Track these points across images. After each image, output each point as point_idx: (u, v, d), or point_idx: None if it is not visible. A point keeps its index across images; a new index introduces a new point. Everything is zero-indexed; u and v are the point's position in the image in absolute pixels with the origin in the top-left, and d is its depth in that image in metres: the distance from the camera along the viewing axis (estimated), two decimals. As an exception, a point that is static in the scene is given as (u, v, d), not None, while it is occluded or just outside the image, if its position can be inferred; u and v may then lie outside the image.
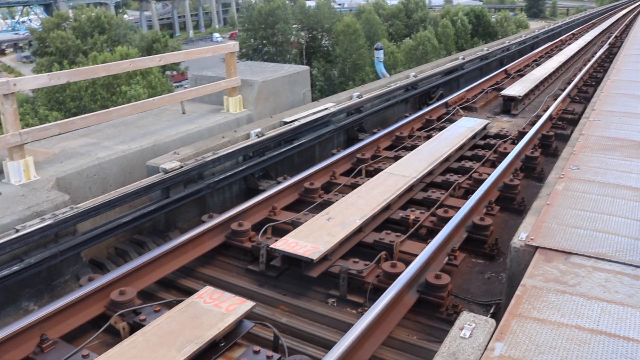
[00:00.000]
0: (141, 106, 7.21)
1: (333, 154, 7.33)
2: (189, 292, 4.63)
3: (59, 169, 5.88)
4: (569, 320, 3.22)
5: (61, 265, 4.97)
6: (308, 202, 6.09)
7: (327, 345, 3.96)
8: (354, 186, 6.34)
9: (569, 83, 11.85)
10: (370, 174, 6.82)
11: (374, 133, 8.27)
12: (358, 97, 8.99)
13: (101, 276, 4.42)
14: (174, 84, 51.70)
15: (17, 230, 4.58)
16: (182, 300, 4.01)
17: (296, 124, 7.43)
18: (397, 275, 4.31)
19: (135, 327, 3.96)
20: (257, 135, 6.91)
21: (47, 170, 5.83)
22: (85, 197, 5.79)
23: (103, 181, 6.13)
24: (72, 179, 5.86)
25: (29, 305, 4.75)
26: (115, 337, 4.08)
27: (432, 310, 4.31)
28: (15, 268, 4.48)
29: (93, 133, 7.17)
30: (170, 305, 4.17)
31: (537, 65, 14.42)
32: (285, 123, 7.51)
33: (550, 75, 12.94)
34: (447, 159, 7.16)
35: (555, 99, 10.19)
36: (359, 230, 5.20)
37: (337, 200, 5.86)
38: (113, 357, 3.41)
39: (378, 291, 4.33)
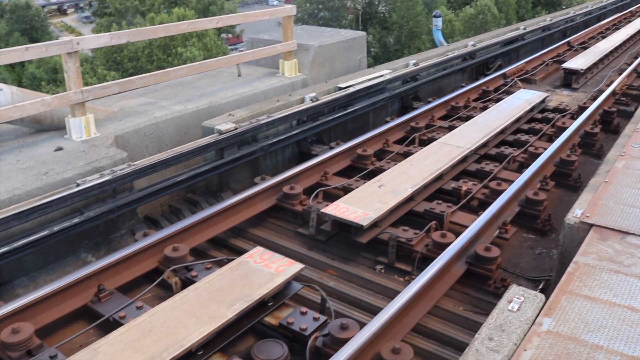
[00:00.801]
0: (198, 67, 7.28)
1: (387, 122, 7.28)
2: (240, 252, 4.73)
3: (117, 126, 6.02)
4: (621, 300, 3.16)
5: (118, 220, 5.13)
6: (360, 168, 6.09)
7: (373, 311, 3.99)
8: (406, 154, 6.30)
9: (636, 57, 11.38)
10: (424, 143, 6.76)
11: (429, 102, 8.17)
12: (414, 65, 8.87)
13: (155, 232, 4.55)
14: (229, 47, 51.94)
15: (78, 185, 4.74)
16: (232, 259, 4.09)
17: (351, 90, 7.39)
18: (446, 245, 4.29)
19: (186, 283, 4.08)
20: (311, 99, 6.91)
21: (106, 128, 5.98)
22: (142, 155, 5.93)
23: (159, 140, 6.25)
24: (130, 137, 6.00)
25: (87, 257, 4.94)
26: (167, 291, 4.21)
27: (480, 282, 4.28)
28: (75, 220, 4.65)
29: (151, 93, 7.31)
30: (221, 263, 4.27)
31: (603, 37, 13.86)
32: (340, 89, 7.48)
33: (616, 49, 12.43)
34: (502, 132, 7.02)
35: (620, 74, 9.80)
36: (410, 198, 5.18)
37: (389, 167, 5.84)
38: (166, 309, 3.52)
39: (426, 260, 4.33)
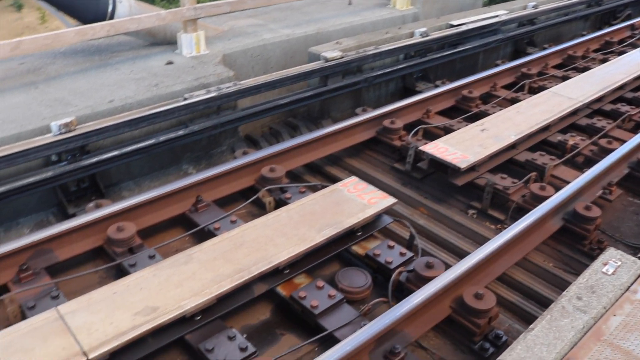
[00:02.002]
0: (310, -8, 7.22)
1: (497, 65, 6.99)
2: (334, 180, 4.79)
3: (226, 45, 6.12)
4: None
5: (220, 136, 5.29)
6: (463, 110, 5.93)
7: (460, 254, 3.98)
8: (514, 101, 6.07)
9: None
10: (534, 90, 6.46)
11: (544, 48, 7.74)
12: (533, 7, 8.38)
13: (255, 152, 4.67)
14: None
15: (185, 99, 4.90)
16: (326, 186, 4.15)
17: (463, 28, 7.12)
18: (544, 198, 4.16)
19: (280, 204, 4.20)
20: (421, 35, 6.73)
21: (215, 46, 6.10)
22: (248, 75, 6.03)
23: (265, 62, 6.32)
24: (238, 56, 6.09)
25: (188, 169, 5.16)
26: (260, 209, 4.35)
27: (574, 241, 4.13)
28: (180, 133, 4.83)
29: (260, 15, 7.34)
30: (315, 188, 4.35)
31: None
32: (452, 26, 7.23)
33: None
34: (621, 87, 6.58)
35: None
36: (512, 146, 5.02)
37: (494, 112, 5.66)
38: (258, 226, 3.65)
39: (521, 211, 4.22)
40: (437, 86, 6.24)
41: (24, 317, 3.28)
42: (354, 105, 6.14)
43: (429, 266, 3.44)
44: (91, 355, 2.73)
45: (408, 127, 5.31)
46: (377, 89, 6.48)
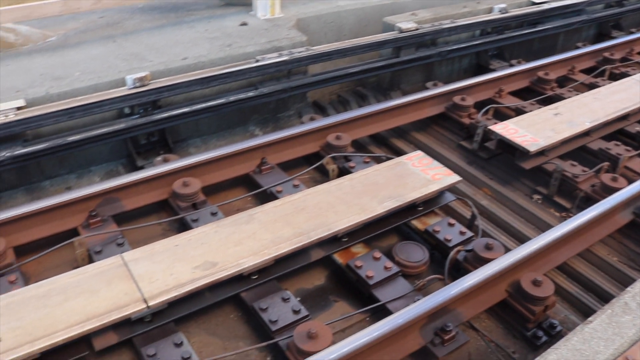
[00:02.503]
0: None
1: (577, 47, 6.73)
2: (399, 153, 4.76)
3: (300, 10, 6.10)
4: None
5: (288, 100, 5.32)
6: (538, 92, 5.75)
7: (521, 239, 3.90)
8: (592, 86, 5.84)
9: None
10: (615, 77, 6.19)
11: (631, 33, 7.39)
12: (623, -11, 8.00)
13: (322, 118, 4.68)
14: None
15: (257, 61, 4.92)
16: (391, 158, 4.13)
17: (545, 6, 6.86)
18: (615, 190, 4.01)
19: (343, 172, 4.20)
20: (500, 11, 6.52)
21: (289, 10, 6.08)
22: (320, 41, 5.99)
23: (339, 29, 6.27)
24: (311, 22, 6.06)
25: (255, 130, 5.21)
26: (323, 176, 4.38)
27: (643, 236, 4.00)
28: (250, 94, 4.88)
29: (338, -20, 7.26)
30: (379, 160, 4.33)
31: None
32: (534, 3, 6.97)
33: None
34: None
35: None
36: (586, 133, 4.84)
37: (569, 97, 5.47)
38: (320, 192, 3.67)
39: (589, 201, 4.09)
40: (512, 65, 6.06)
41: (91, 260, 3.43)
42: (424, 79, 6.04)
43: (488, 248, 3.39)
44: (151, 303, 2.83)
45: (478, 106, 5.19)
46: (449, 64, 6.36)
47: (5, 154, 3.96)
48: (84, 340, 2.84)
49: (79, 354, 2.81)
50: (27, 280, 3.42)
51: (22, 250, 3.55)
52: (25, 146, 4.05)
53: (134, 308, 2.81)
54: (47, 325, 2.72)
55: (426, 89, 5.26)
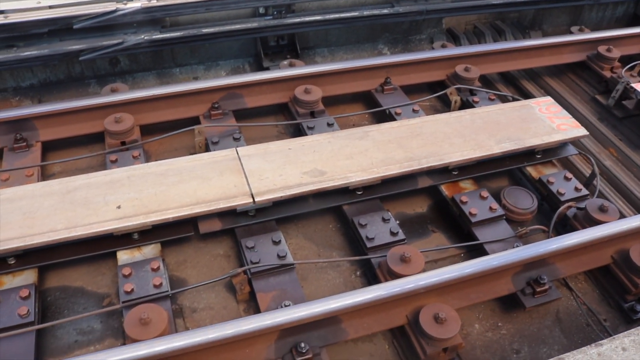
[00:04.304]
0: None
1: None
2: (526, 95, 4.56)
3: None
4: None
5: (422, 23, 5.16)
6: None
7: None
8: None
9: None
10: None
11: None
12: None
13: (453, 47, 4.53)
14: None
15: (398, -24, 4.79)
16: (518, 100, 3.97)
17: None
18: None
19: (465, 105, 4.10)
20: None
21: None
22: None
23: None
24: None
25: (384, 49, 5.14)
26: (444, 106, 4.30)
27: None
28: (385, 11, 4.77)
29: None
30: (504, 99, 4.18)
31: None
32: None
33: None
34: None
35: None
36: None
37: None
38: (438, 121, 3.60)
39: None
40: (672, 21, 5.55)
41: (207, 149, 3.60)
42: (570, 23, 5.66)
43: (602, 209, 3.24)
44: (257, 199, 2.96)
45: (625, 60, 4.81)
46: (601, 10, 5.89)
47: (144, 37, 4.16)
48: (191, 222, 3.03)
49: (184, 233, 3.01)
50: (148, 158, 3.66)
51: (146, 130, 3.77)
52: (163, 32, 4.23)
53: (241, 201, 2.95)
54: (161, 202, 2.92)
55: (570, 33, 4.94)
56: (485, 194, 3.33)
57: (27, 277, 2.82)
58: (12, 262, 2.81)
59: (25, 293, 2.68)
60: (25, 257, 2.84)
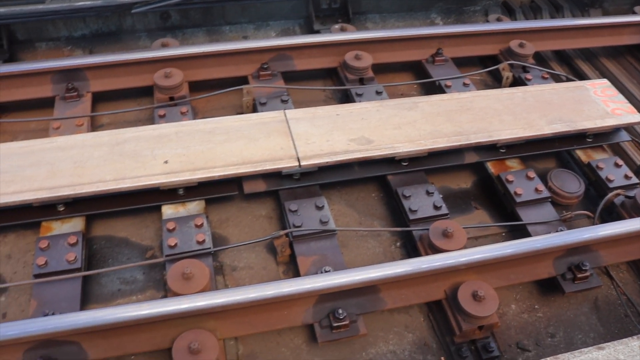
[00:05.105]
0: None
1: None
2: (581, 77, 4.43)
3: None
4: None
5: (477, -6, 5.04)
6: None
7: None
8: None
9: None
10: None
11: None
12: None
13: (508, 21, 4.43)
14: None
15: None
16: (573, 80, 3.87)
17: None
18: None
19: (517, 82, 4.00)
20: None
21: None
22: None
23: None
24: None
25: (436, 19, 5.03)
26: (495, 82, 4.22)
27: None
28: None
29: None
30: (558, 78, 4.08)
31: None
32: None
33: None
34: None
35: None
36: None
37: None
38: (489, 97, 3.52)
39: None
40: None
41: (254, 110, 3.60)
42: (634, 2, 5.45)
43: (653, 199, 3.17)
44: (303, 163, 2.96)
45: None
46: (667, -9, 5.66)
47: (196, -8, 4.15)
48: (235, 181, 3.05)
49: (229, 192, 3.04)
50: (195, 114, 3.68)
51: (194, 86, 3.79)
52: (215, -12, 4.21)
53: (287, 164, 2.95)
54: (208, 159, 2.95)
55: (633, 13, 4.76)
56: (532, 174, 3.28)
57: (75, 224, 2.89)
58: (62, 209, 2.88)
59: (74, 240, 2.75)
60: (74, 205, 2.90)
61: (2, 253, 2.94)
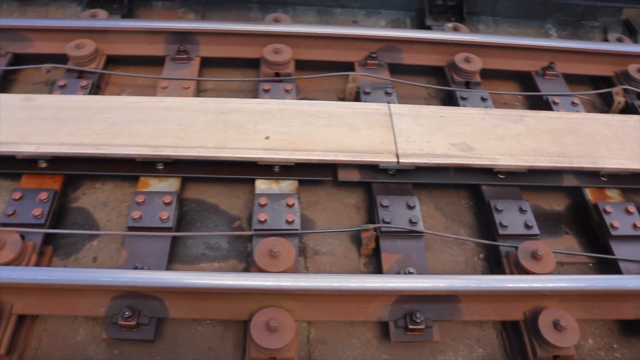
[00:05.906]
0: None
1: None
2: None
3: None
4: None
5: (599, 10, 4.81)
6: None
7: None
8: None
9: None
10: None
11: None
12: None
13: (628, 44, 4.25)
14: None
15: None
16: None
17: None
18: None
19: (628, 109, 3.81)
20: None
21: None
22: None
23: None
24: None
25: (551, 30, 4.81)
26: (604, 105, 4.07)
27: None
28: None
29: None
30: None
31: None
32: None
33: None
34: None
35: None
36: None
37: None
38: (599, 120, 3.38)
39: None
40: None
41: (357, 98, 3.60)
42: None
43: None
44: (401, 160, 2.95)
45: None
46: None
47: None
48: (331, 167, 3.08)
49: (323, 176, 3.07)
50: (297, 93, 3.71)
51: (300, 65, 3.81)
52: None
53: (385, 158, 2.95)
54: (308, 141, 2.98)
55: None
56: (632, 208, 3.15)
57: (171, 184, 2.99)
58: (161, 167, 2.99)
59: (169, 199, 2.85)
60: (174, 165, 3.01)
61: (99, 199, 3.08)
